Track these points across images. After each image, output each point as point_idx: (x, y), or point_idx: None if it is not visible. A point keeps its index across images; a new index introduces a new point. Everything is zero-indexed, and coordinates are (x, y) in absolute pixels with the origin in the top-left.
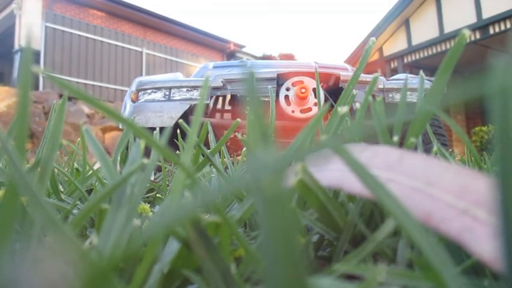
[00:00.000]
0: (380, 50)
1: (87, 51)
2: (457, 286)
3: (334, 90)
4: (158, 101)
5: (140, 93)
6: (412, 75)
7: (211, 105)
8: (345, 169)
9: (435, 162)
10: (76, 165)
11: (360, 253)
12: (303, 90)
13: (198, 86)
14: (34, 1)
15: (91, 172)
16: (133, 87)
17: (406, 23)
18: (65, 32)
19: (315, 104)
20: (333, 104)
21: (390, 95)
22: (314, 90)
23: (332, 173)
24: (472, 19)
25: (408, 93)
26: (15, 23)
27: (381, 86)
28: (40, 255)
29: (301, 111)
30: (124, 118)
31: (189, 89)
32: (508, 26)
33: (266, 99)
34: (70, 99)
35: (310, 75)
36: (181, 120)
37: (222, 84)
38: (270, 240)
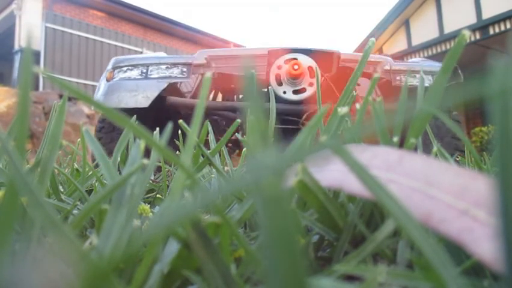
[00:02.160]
0: (380, 50)
1: (87, 52)
2: (457, 287)
3: (330, 68)
4: (134, 79)
5: (115, 72)
6: (424, 59)
7: (195, 85)
8: (345, 170)
9: (435, 163)
10: (75, 165)
11: (360, 254)
12: (296, 67)
13: (178, 63)
14: (34, 1)
15: (90, 173)
16: (109, 66)
17: (406, 24)
18: (65, 33)
19: (311, 85)
20: (333, 87)
21: (398, 78)
22: (310, 69)
23: (332, 174)
24: (472, 19)
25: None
26: (15, 24)
27: (387, 67)
28: (40, 255)
29: (294, 92)
30: (123, 118)
31: (169, 66)
32: (508, 26)
33: (258, 76)
34: (70, 99)
35: (306, 52)
36: (181, 121)
37: (205, 61)
38: (270, 241)
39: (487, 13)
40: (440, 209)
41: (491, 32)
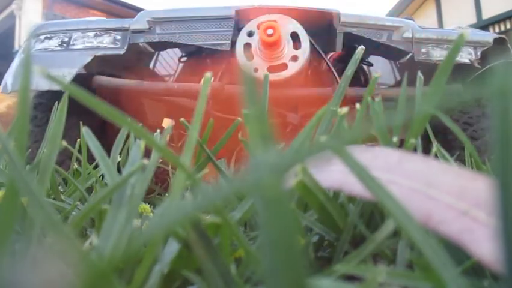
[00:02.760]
0: None
1: None
2: (457, 287)
3: (325, 36)
4: (52, 51)
5: (33, 41)
6: (461, 27)
7: (177, 70)
8: (346, 171)
9: (436, 164)
10: (75, 165)
11: (360, 254)
12: (270, 32)
13: (110, 29)
14: (34, 2)
15: (89, 173)
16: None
17: None
18: None
19: (294, 59)
20: (325, 59)
21: (424, 50)
22: (294, 36)
23: (333, 175)
24: (472, 19)
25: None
26: (15, 24)
27: (408, 35)
28: (40, 255)
29: (270, 69)
30: (122, 118)
31: (98, 33)
32: (508, 26)
33: (220, 47)
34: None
35: (290, 13)
36: (182, 119)
37: (147, 26)
38: (270, 242)
39: (487, 13)
40: (440, 209)
41: (491, 32)
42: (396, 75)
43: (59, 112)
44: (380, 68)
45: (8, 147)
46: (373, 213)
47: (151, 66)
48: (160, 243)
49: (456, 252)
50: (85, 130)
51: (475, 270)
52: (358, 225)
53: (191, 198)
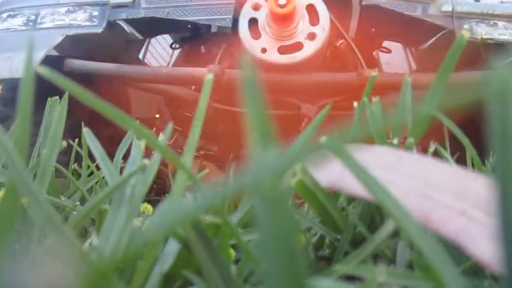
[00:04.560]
0: None
1: None
2: (457, 287)
3: (343, 9)
4: (16, 30)
5: None
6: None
7: (170, 59)
8: (345, 170)
9: (434, 164)
10: (75, 165)
11: (361, 254)
12: (283, 1)
13: (85, 3)
14: None
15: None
16: None
17: None
18: None
19: (311, 37)
20: (347, 38)
21: (467, 26)
22: (310, 8)
23: (331, 174)
24: None
25: (503, 24)
26: None
27: (448, 8)
28: (40, 256)
29: (281, 49)
30: (123, 118)
31: (72, 8)
32: None
33: (220, 24)
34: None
35: None
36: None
37: (130, 0)
38: (270, 242)
39: None
40: (439, 209)
41: None
42: (411, 63)
43: (59, 112)
44: (392, 56)
45: (8, 147)
46: (374, 216)
47: (140, 56)
48: (160, 243)
49: (456, 252)
50: (85, 130)
51: (475, 270)
52: (358, 225)
53: (191, 199)
